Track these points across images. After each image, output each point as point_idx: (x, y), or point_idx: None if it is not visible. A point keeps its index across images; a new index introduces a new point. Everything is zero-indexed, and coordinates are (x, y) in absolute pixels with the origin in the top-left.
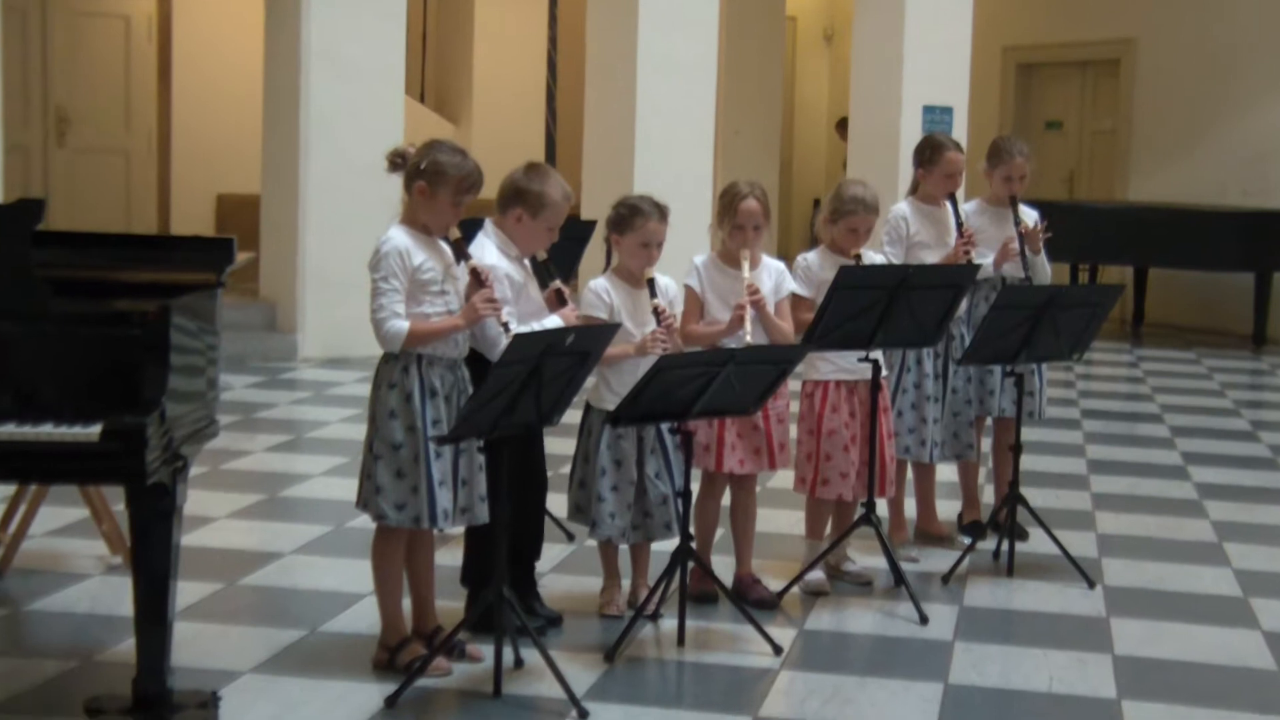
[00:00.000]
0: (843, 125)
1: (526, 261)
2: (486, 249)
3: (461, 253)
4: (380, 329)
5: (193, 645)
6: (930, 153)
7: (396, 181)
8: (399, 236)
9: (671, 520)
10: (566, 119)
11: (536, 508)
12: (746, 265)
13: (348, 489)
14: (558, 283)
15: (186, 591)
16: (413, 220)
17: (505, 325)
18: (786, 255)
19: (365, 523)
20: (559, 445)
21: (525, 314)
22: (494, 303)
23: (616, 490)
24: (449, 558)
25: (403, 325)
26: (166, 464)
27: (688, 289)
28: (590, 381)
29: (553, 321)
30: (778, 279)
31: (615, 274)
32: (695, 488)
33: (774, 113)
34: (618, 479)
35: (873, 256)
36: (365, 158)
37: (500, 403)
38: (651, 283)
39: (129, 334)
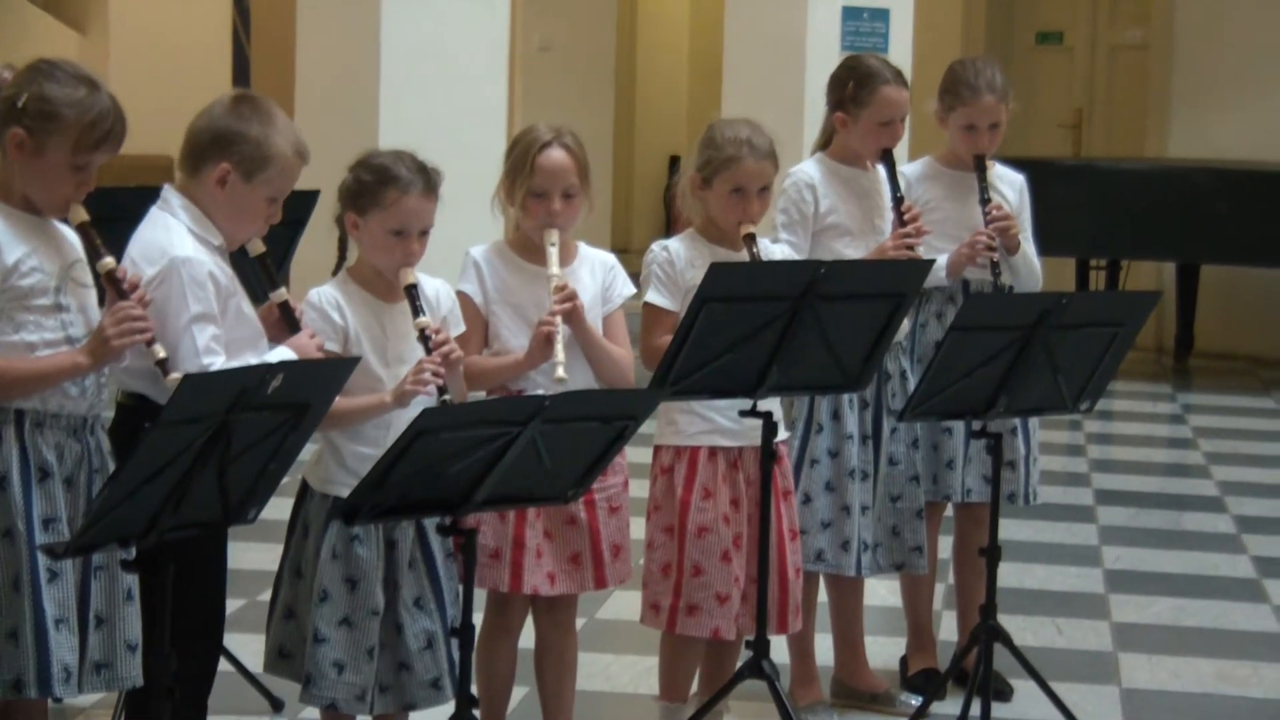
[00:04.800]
0: None
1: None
2: (174, 233)
3: (92, 244)
4: None
5: None
6: (855, 86)
7: None
8: None
9: (441, 675)
10: (267, 28)
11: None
12: (554, 255)
13: None
14: (284, 292)
15: None
16: (5, 192)
17: (161, 362)
18: (628, 247)
19: None
20: (256, 555)
21: (236, 342)
22: (137, 322)
23: (349, 626)
24: None
25: None
26: None
27: (461, 299)
28: (310, 451)
29: (281, 356)
30: (606, 279)
31: (353, 278)
32: (480, 620)
33: (604, 16)
34: (351, 608)
35: (771, 248)
36: None
37: (160, 488)
38: (413, 291)
39: None
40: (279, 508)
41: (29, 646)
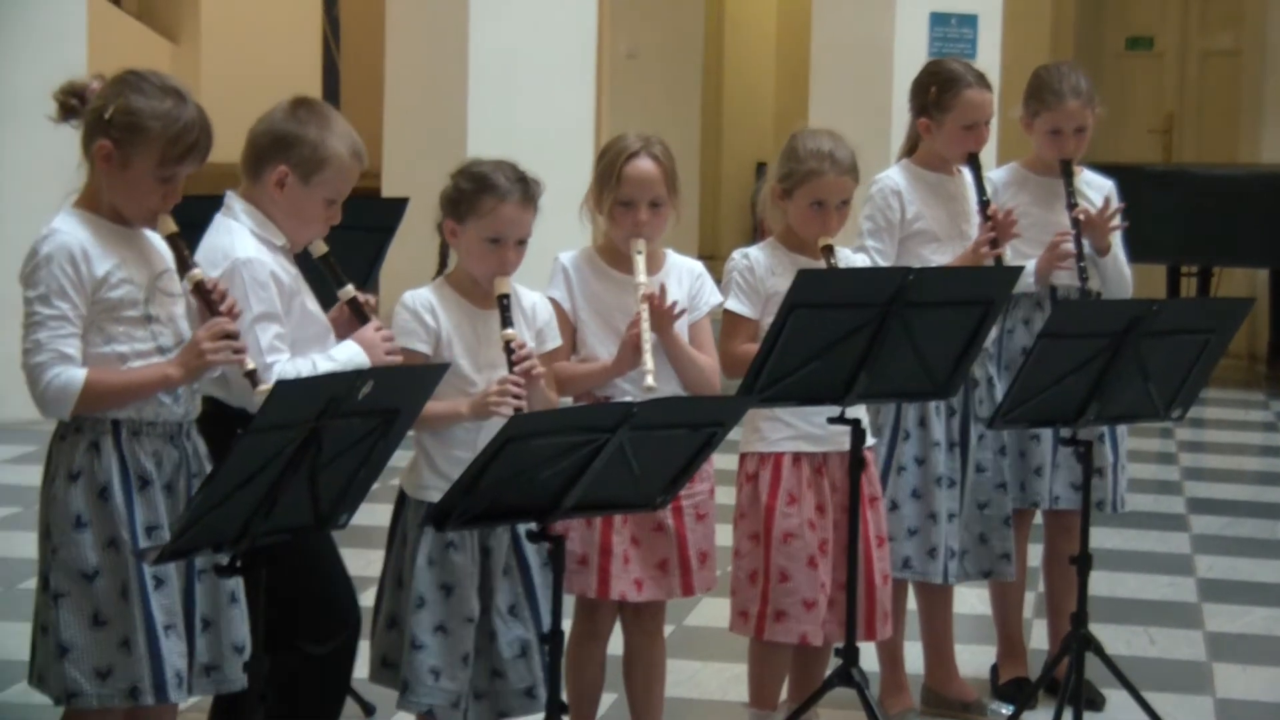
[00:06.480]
0: None
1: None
2: (236, 236)
3: (181, 255)
4: (38, 382)
5: None
6: (937, 91)
7: (74, 137)
8: (70, 230)
9: (535, 684)
10: (357, 37)
11: (336, 663)
12: (641, 263)
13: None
14: (351, 289)
15: None
16: (95, 202)
17: (250, 373)
18: (716, 254)
19: (45, 711)
20: (350, 562)
21: (303, 340)
22: (231, 339)
23: (445, 633)
24: None
25: (75, 376)
26: None
27: (552, 305)
28: (403, 457)
29: (349, 354)
30: (693, 288)
31: (450, 284)
32: (569, 626)
33: (692, 24)
34: (447, 615)
35: (850, 257)
36: (20, 91)
37: (252, 494)
38: (504, 301)
39: None
40: (371, 513)
41: (143, 654)
